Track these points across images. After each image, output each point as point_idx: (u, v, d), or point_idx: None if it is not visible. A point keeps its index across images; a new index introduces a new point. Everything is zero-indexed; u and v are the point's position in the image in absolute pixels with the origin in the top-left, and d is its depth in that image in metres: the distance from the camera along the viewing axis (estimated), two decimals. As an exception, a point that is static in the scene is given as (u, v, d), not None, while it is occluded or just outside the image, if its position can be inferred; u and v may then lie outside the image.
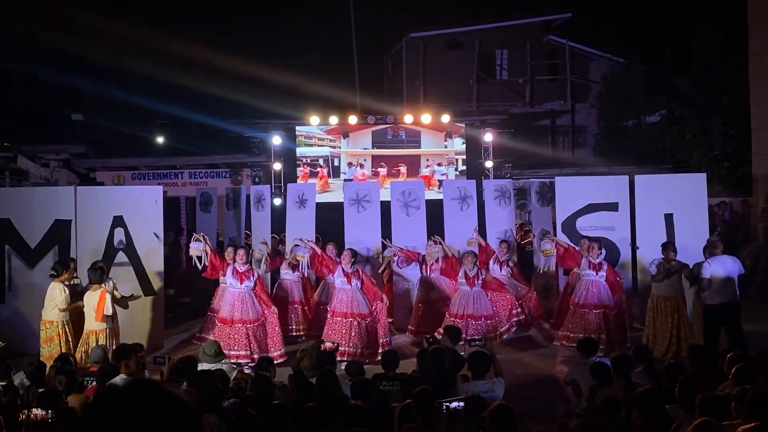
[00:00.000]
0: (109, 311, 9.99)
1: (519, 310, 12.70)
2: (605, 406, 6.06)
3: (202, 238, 11.58)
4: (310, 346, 9.14)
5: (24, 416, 5.43)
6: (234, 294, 10.95)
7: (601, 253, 11.79)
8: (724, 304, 10.36)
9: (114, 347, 9.47)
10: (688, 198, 12.94)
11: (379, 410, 6.14)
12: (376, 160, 19.77)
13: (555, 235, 13.53)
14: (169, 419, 1.87)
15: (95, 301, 10.00)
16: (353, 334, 11.06)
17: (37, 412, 5.49)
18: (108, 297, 10.04)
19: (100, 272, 10.28)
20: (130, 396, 1.91)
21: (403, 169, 19.84)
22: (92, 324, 10.04)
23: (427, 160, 19.67)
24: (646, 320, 11.40)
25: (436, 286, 12.78)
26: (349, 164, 19.60)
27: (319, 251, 12.03)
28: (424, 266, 12.96)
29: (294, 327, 12.67)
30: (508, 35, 31.09)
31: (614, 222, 13.13)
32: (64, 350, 9.82)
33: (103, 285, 10.19)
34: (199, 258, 11.66)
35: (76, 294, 10.48)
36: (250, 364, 10.41)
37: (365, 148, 19.74)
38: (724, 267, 10.48)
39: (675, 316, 11.01)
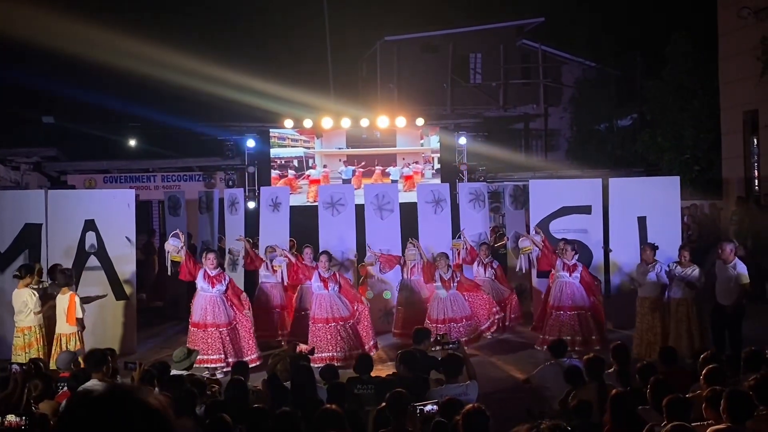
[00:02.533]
0: (80, 314, 9.91)
1: (498, 308, 12.72)
2: (578, 408, 6.09)
3: (181, 236, 11.46)
4: (284, 350, 9.12)
5: None
6: (206, 298, 10.87)
7: (575, 255, 11.84)
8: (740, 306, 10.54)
9: (82, 351, 9.38)
10: (661, 201, 13.09)
11: (353, 414, 6.13)
12: (352, 160, 19.64)
13: (528, 238, 13.61)
14: (144, 426, 1.85)
15: (65, 305, 9.91)
16: (339, 338, 11.02)
17: (11, 418, 5.42)
18: (77, 300, 9.95)
19: (67, 276, 10.18)
20: (105, 402, 1.89)
21: (377, 168, 19.77)
22: (63, 328, 9.96)
23: (403, 158, 19.61)
24: (636, 322, 11.45)
25: (417, 290, 12.80)
26: (345, 163, 19.59)
27: (293, 259, 11.97)
28: (404, 269, 12.99)
29: (279, 332, 12.61)
30: (482, 39, 31.23)
31: (587, 225, 13.22)
32: (41, 355, 9.72)
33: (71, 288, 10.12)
34: (175, 263, 11.50)
35: (47, 298, 10.37)
36: (224, 369, 10.35)
37: (339, 148, 19.67)
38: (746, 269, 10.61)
39: (651, 317, 11.10)
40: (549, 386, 7.63)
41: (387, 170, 19.40)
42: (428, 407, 5.59)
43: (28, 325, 10.14)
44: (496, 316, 12.60)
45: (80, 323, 10.01)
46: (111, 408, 1.87)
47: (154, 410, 1.89)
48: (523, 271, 13.12)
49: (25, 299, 10.12)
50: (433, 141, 19.49)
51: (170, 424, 1.93)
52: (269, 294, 12.80)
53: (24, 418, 5.38)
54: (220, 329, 10.72)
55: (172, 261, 11.53)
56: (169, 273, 12.13)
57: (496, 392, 9.23)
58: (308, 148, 19.48)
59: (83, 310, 10.03)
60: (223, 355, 10.62)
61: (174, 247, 11.33)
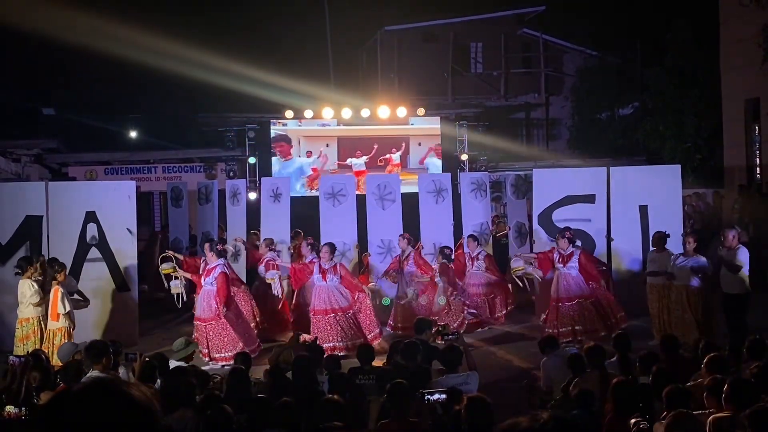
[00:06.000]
0: (62, 309, 9.84)
1: (512, 299, 12.76)
2: (579, 396, 6.09)
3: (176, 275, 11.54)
4: (287, 341, 9.12)
5: None
6: (201, 292, 10.99)
7: (570, 244, 11.73)
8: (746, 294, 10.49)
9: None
10: (663, 190, 13.07)
11: (354, 404, 6.14)
12: (346, 145, 18.68)
13: (531, 227, 13.61)
14: (125, 421, 1.84)
15: (51, 299, 9.89)
16: (339, 329, 11.01)
17: (10, 409, 5.43)
18: (60, 293, 9.88)
19: (55, 270, 10.14)
20: (87, 396, 1.87)
21: (395, 157, 18.40)
22: (51, 323, 9.93)
23: (419, 144, 18.73)
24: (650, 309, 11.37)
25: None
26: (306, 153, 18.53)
27: (287, 265, 11.95)
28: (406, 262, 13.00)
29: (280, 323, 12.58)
30: (482, 28, 31.16)
31: (591, 214, 13.19)
32: (38, 348, 9.69)
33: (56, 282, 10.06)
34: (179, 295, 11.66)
35: (46, 290, 10.35)
36: (209, 362, 10.42)
37: (323, 125, 18.32)
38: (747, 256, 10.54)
39: (663, 302, 11.04)
40: (552, 377, 7.62)
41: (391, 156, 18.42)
42: (436, 396, 5.59)
43: (26, 316, 10.11)
44: (510, 307, 12.63)
45: (67, 318, 9.94)
46: (93, 401, 1.86)
47: (138, 403, 1.88)
48: (521, 286, 13.06)
49: (23, 290, 10.11)
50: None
51: (154, 417, 1.91)
52: (269, 286, 12.77)
53: (23, 408, 5.39)
54: (206, 324, 10.78)
55: (164, 274, 11.70)
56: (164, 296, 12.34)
57: (497, 382, 9.22)
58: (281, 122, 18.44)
59: (65, 306, 9.94)
60: (207, 350, 10.67)
61: (177, 287, 11.56)
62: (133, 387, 1.91)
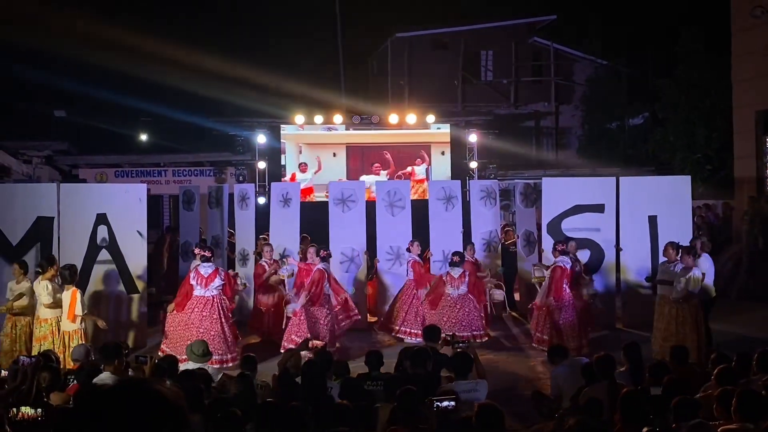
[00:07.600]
0: (80, 311, 9.88)
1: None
2: (588, 406, 6.08)
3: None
4: (296, 346, 9.13)
5: (12, 414, 5.40)
6: None
7: (559, 254, 11.51)
8: (711, 300, 10.59)
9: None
10: (672, 200, 13.03)
11: (363, 410, 6.14)
12: (356, 155, 18.37)
13: (539, 236, 13.59)
14: (157, 419, 1.86)
15: (68, 301, 9.91)
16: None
17: (26, 410, 5.46)
18: (79, 296, 9.92)
19: (70, 272, 10.16)
20: (118, 394, 1.89)
21: (419, 169, 17.73)
22: (66, 325, 9.94)
23: (443, 153, 18.57)
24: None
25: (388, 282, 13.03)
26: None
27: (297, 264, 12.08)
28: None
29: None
30: (493, 36, 31.17)
31: (600, 223, 13.16)
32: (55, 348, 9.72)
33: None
34: None
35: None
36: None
37: (329, 129, 17.82)
38: (711, 265, 10.61)
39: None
40: (561, 386, 7.61)
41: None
42: (445, 403, 5.59)
43: (45, 317, 10.12)
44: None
45: (83, 320, 9.97)
46: (124, 399, 1.88)
47: (167, 400, 1.90)
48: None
49: (39, 290, 10.14)
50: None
51: (184, 414, 1.93)
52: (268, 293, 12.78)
53: (39, 410, 5.41)
54: None
55: None
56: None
57: (505, 390, 9.21)
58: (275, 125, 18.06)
59: (84, 307, 10.00)
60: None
61: None
62: (163, 385, 1.93)
